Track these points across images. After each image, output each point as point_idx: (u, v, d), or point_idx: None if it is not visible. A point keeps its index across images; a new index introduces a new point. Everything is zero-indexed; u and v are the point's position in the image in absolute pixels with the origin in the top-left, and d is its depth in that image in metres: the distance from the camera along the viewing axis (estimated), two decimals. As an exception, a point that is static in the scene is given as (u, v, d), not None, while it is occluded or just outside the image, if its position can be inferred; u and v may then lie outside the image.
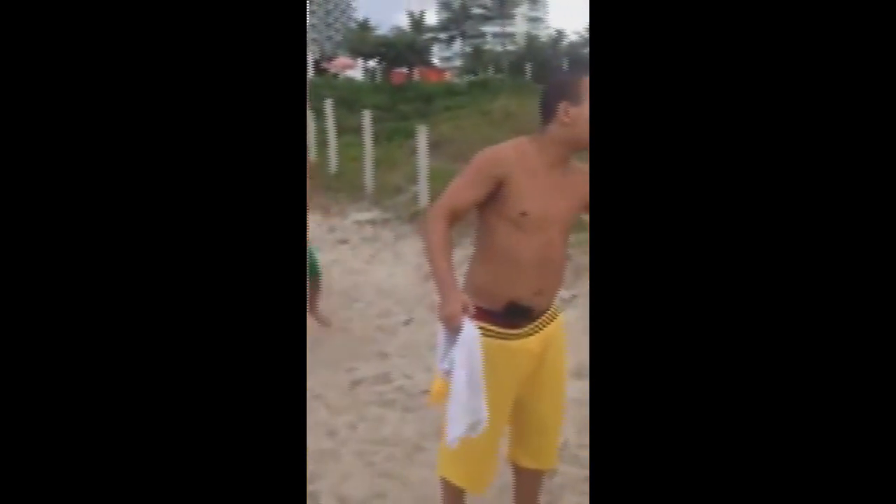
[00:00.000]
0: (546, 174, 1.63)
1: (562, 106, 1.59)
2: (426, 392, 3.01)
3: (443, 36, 48.18)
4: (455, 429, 1.53)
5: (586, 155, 1.44)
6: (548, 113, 1.63)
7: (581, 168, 1.71)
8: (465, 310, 1.49)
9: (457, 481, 1.83)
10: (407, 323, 4.22)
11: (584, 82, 1.57)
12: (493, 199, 1.61)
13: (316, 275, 3.98)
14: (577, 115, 1.58)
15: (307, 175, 3.02)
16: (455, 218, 1.61)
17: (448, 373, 1.51)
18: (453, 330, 1.49)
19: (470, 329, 1.49)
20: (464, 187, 1.62)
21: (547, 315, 1.77)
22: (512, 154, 1.62)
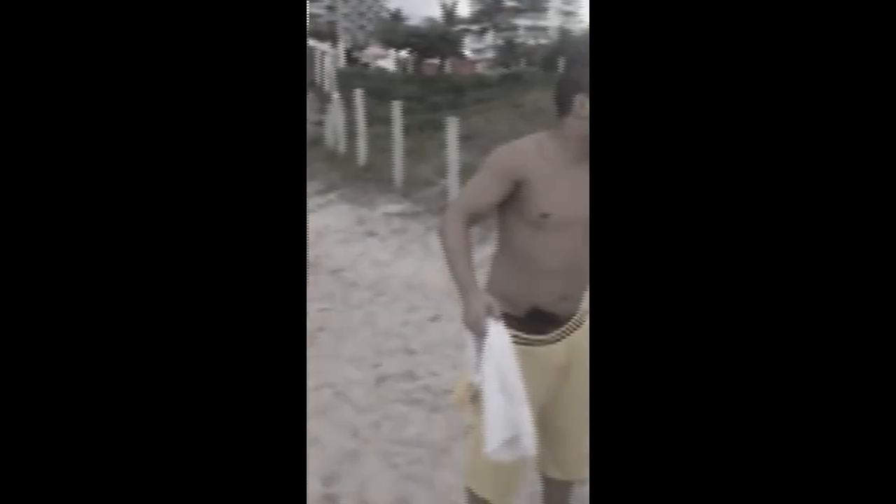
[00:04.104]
0: (566, 172, 1.53)
1: (577, 98, 1.49)
2: (452, 391, 2.96)
3: (475, 28, 48.00)
4: (493, 441, 1.42)
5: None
6: (564, 107, 1.53)
7: None
8: (489, 311, 1.41)
9: (484, 494, 1.75)
10: (434, 319, 4.15)
11: None
12: (511, 199, 1.53)
13: None
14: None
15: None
16: (473, 220, 1.54)
17: (479, 384, 1.42)
18: (479, 333, 1.41)
19: (498, 331, 1.40)
20: (481, 188, 1.54)
21: (573, 321, 1.68)
22: (530, 151, 1.53)
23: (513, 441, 1.42)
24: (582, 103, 1.48)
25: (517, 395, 1.41)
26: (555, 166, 1.52)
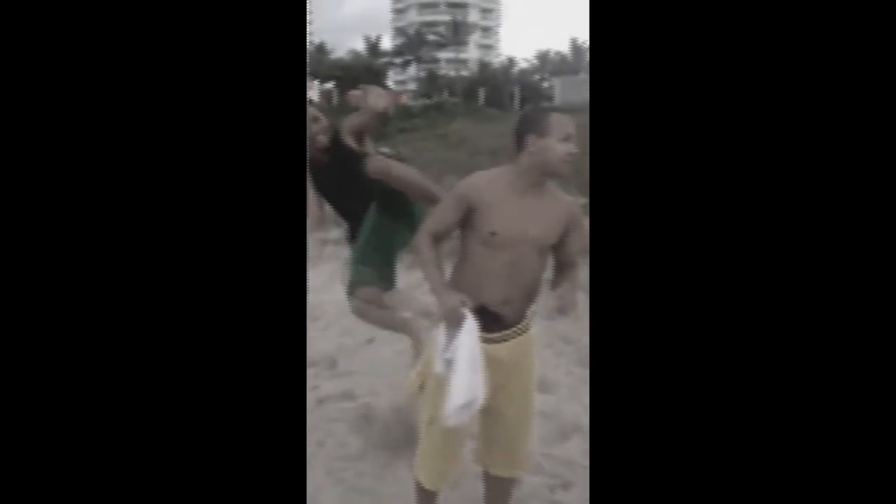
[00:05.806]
0: (517, 199, 1.83)
1: (529, 138, 1.80)
2: (392, 410, 3.05)
3: (398, 60, 48.54)
4: (455, 401, 1.72)
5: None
6: (519, 144, 1.85)
7: (557, 193, 1.91)
8: (463, 303, 1.74)
9: (421, 480, 1.98)
10: (370, 342, 4.23)
11: (549, 117, 1.81)
12: (468, 219, 1.85)
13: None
14: (542, 145, 1.79)
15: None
16: (438, 237, 1.89)
17: (450, 361, 1.74)
18: (456, 321, 1.73)
19: (471, 320, 1.74)
20: (441, 212, 1.90)
21: (518, 327, 1.91)
22: (483, 182, 1.86)
23: (468, 404, 1.73)
24: (533, 142, 1.79)
25: (480, 367, 1.74)
26: (505, 194, 1.83)
